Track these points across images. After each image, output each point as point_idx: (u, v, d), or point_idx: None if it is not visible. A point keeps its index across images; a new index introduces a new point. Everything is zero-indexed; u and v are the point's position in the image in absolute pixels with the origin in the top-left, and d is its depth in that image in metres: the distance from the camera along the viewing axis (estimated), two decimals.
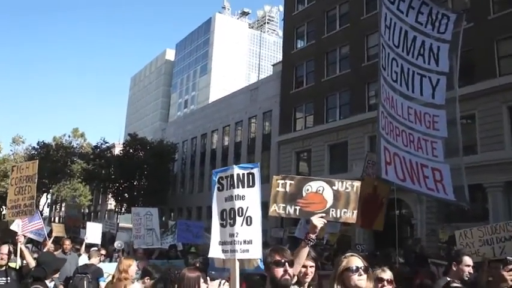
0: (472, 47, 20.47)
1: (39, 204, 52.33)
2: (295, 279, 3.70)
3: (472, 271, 5.14)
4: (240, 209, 3.70)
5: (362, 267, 3.25)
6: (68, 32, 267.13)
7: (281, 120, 35.55)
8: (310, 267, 3.99)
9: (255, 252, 3.57)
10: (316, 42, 33.32)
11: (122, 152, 50.19)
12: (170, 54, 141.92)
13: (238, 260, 3.62)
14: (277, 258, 3.37)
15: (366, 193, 11.58)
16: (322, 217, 3.82)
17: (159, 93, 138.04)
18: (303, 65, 34.46)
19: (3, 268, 6.55)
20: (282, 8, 46.35)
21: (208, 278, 4.40)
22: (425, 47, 9.05)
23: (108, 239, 18.88)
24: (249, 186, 3.72)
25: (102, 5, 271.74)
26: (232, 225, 3.71)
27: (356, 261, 3.30)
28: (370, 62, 27.11)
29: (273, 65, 51.01)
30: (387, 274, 3.70)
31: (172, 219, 36.30)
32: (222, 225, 3.81)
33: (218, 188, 3.90)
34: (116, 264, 9.47)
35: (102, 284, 8.22)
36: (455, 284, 4.91)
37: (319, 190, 3.91)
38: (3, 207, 48.55)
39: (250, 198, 3.70)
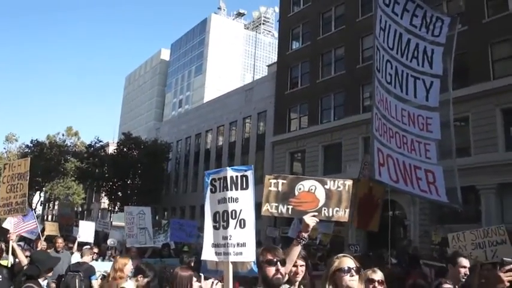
0: (467, 50, 20.58)
1: (32, 202, 52.11)
2: (286, 277, 3.72)
3: (468, 272, 5.16)
4: (234, 212, 3.67)
5: (354, 268, 3.26)
6: (63, 31, 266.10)
7: (275, 120, 35.58)
8: (301, 266, 4.02)
9: (248, 255, 3.54)
10: (311, 44, 33.37)
11: (115, 150, 50.09)
12: (165, 54, 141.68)
13: (231, 262, 3.62)
14: (270, 257, 3.38)
15: (362, 194, 11.73)
16: (314, 216, 3.83)
17: (154, 93, 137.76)
18: (298, 66, 34.50)
19: None
20: (277, 9, 46.43)
21: (202, 277, 4.40)
22: (419, 50, 9.10)
23: (101, 238, 18.85)
24: (242, 188, 3.69)
25: (97, 5, 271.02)
26: (226, 227, 3.68)
27: (348, 261, 3.31)
28: (364, 64, 27.17)
29: (268, 66, 51.02)
30: (378, 275, 3.72)
31: (166, 218, 36.27)
32: (215, 228, 3.78)
33: (211, 189, 3.85)
34: (108, 262, 9.52)
35: (94, 282, 8.21)
36: (446, 285, 4.95)
37: (312, 189, 3.91)
38: None
39: (243, 201, 3.67)
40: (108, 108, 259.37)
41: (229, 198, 3.70)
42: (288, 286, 3.76)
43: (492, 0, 22.66)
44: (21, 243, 12.29)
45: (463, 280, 5.20)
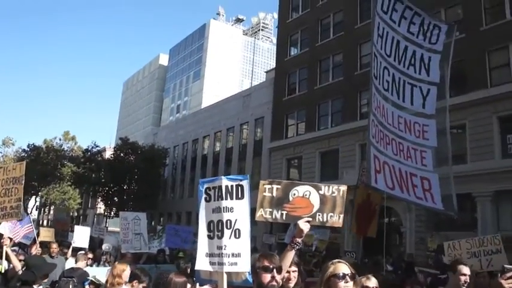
0: (464, 58, 20.65)
1: (27, 207, 51.93)
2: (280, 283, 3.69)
3: (468, 280, 5.14)
4: (229, 221, 3.62)
5: (349, 274, 3.24)
6: (61, 34, 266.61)
7: (273, 126, 35.59)
8: (293, 271, 4.00)
9: (243, 265, 3.50)
10: (309, 50, 33.43)
11: (112, 155, 49.98)
12: (164, 59, 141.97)
13: (225, 272, 3.58)
14: (266, 263, 3.35)
15: (360, 201, 11.78)
16: (308, 221, 3.81)
17: (152, 98, 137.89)
18: (296, 73, 34.55)
19: None
20: (276, 16, 46.49)
21: (198, 284, 4.37)
22: (416, 57, 9.14)
23: (96, 243, 18.75)
24: (237, 198, 3.64)
25: (95, 8, 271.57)
26: (220, 237, 3.63)
27: (343, 268, 3.29)
28: (362, 71, 27.21)
29: (266, 72, 51.09)
30: (372, 282, 3.70)
31: (162, 224, 36.16)
32: (209, 237, 3.73)
33: (205, 198, 3.80)
34: (103, 268, 9.45)
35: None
36: None
37: (306, 195, 3.89)
38: None
39: (238, 211, 3.62)
40: (105, 113, 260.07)
41: (224, 207, 3.65)
42: None
43: (490, 8, 22.74)
44: (16, 248, 12.21)
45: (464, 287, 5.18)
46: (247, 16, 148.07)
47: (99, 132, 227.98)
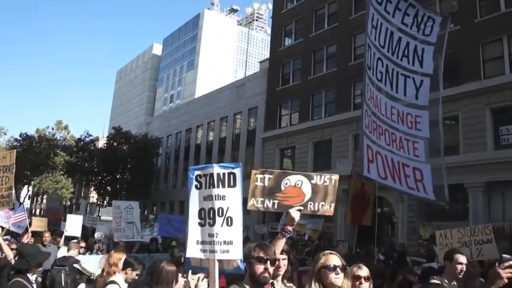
0: (458, 50, 20.71)
1: (20, 196, 51.72)
2: None
3: (464, 269, 5.18)
4: (220, 209, 3.60)
5: (340, 266, 3.27)
6: (54, 25, 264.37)
7: (266, 116, 35.59)
8: (283, 259, 4.00)
9: (235, 253, 3.49)
10: (303, 41, 33.36)
11: (105, 145, 49.75)
12: (157, 49, 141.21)
13: (217, 260, 3.58)
14: (261, 254, 3.33)
15: (354, 190, 11.87)
16: (299, 210, 3.82)
17: (145, 88, 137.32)
18: (290, 63, 34.49)
19: None
20: (270, 6, 46.39)
21: (190, 272, 4.37)
22: (409, 49, 9.15)
23: (89, 232, 18.73)
24: (230, 186, 3.61)
25: None
26: (212, 225, 3.61)
27: (334, 259, 3.31)
28: (356, 62, 27.21)
29: (260, 62, 50.98)
30: (364, 271, 3.71)
31: (155, 213, 36.18)
32: (200, 224, 3.70)
33: (196, 186, 3.75)
34: (95, 256, 9.45)
35: None
36: (434, 281, 4.99)
37: (298, 184, 3.89)
38: None
39: (231, 199, 3.60)
40: (98, 102, 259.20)
41: (215, 195, 3.63)
42: (271, 280, 3.73)
43: (485, 0, 22.75)
44: (8, 236, 12.19)
45: (460, 276, 5.23)
46: (241, 6, 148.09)
47: (92, 121, 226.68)
